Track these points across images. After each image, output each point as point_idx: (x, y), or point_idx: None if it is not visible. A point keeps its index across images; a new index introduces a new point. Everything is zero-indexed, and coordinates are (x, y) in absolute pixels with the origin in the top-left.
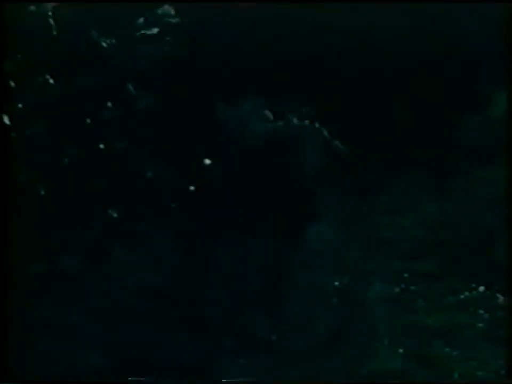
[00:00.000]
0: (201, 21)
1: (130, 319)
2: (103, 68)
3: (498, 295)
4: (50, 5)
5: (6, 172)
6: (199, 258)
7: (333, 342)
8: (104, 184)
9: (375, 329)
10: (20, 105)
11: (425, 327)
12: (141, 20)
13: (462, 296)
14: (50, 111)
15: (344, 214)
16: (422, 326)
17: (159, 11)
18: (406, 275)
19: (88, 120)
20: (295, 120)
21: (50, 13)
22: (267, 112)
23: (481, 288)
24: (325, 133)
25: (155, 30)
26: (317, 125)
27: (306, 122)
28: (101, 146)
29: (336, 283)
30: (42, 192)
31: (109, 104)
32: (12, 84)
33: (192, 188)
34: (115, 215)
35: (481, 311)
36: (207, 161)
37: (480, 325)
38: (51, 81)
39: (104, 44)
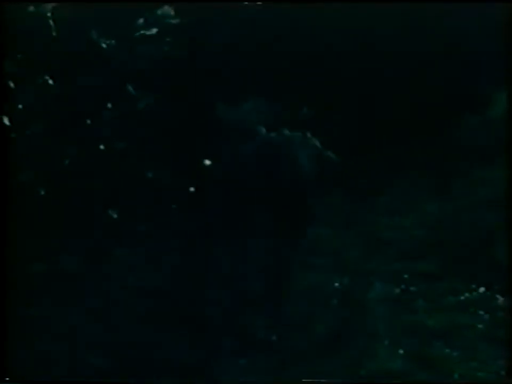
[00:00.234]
0: (201, 22)
1: (130, 319)
2: (103, 68)
3: (498, 296)
4: (50, 5)
5: (6, 172)
6: (199, 259)
7: (333, 342)
8: (104, 184)
9: (375, 329)
10: (19, 106)
11: (426, 327)
12: (141, 20)
13: (462, 297)
14: (50, 112)
15: (343, 215)
16: (422, 326)
17: (159, 11)
18: (406, 276)
19: (88, 121)
20: (286, 132)
21: (49, 14)
22: (260, 128)
23: (482, 289)
24: (317, 142)
25: (155, 31)
26: (308, 135)
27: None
28: (101, 146)
29: (336, 284)
30: (42, 193)
31: (109, 104)
32: (12, 84)
33: (192, 188)
34: (115, 215)
35: (481, 312)
36: (207, 162)
37: (480, 325)
38: (51, 81)
39: (104, 45)
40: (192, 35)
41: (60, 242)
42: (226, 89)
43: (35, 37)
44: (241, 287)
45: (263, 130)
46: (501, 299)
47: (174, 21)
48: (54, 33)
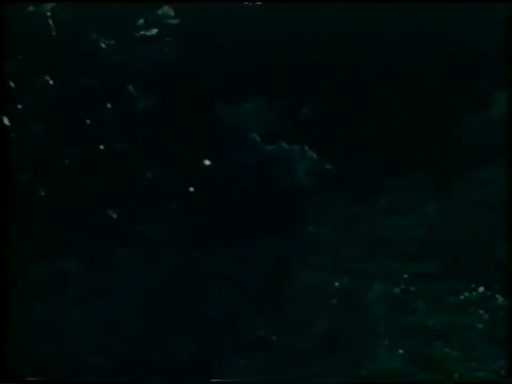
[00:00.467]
0: (201, 22)
1: (130, 319)
2: (103, 68)
3: (498, 296)
4: (49, 5)
5: (6, 173)
6: (198, 259)
7: (333, 342)
8: (104, 184)
9: (375, 329)
10: (19, 106)
11: (425, 327)
12: (141, 20)
13: (462, 297)
14: (50, 112)
15: (343, 216)
16: (422, 326)
17: (159, 12)
18: (406, 276)
19: (88, 121)
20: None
21: (49, 14)
22: (255, 136)
23: (481, 289)
24: (314, 155)
25: (155, 31)
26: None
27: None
28: (101, 146)
29: (336, 284)
30: (42, 193)
31: (109, 105)
32: (12, 84)
33: (191, 188)
34: (115, 215)
35: (481, 312)
36: (207, 162)
37: (480, 325)
38: (51, 82)
39: (103, 45)
40: (192, 35)
41: (59, 243)
42: (226, 89)
43: (35, 37)
44: (241, 287)
45: (258, 138)
46: (500, 299)
47: (174, 21)
48: (54, 33)
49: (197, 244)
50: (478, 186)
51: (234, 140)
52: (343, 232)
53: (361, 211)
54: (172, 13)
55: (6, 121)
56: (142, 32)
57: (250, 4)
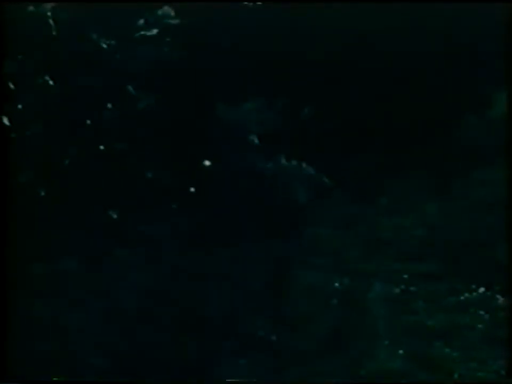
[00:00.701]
0: (201, 22)
1: (130, 319)
2: (103, 68)
3: (498, 296)
4: (49, 5)
5: (6, 173)
6: (199, 259)
7: (333, 342)
8: (104, 184)
9: (375, 330)
10: (19, 106)
11: (426, 328)
12: (141, 21)
13: (462, 297)
14: (50, 112)
15: (343, 216)
16: (422, 326)
17: (159, 12)
18: (406, 276)
19: (88, 121)
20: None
21: (49, 14)
22: (254, 138)
23: (482, 289)
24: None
25: (155, 31)
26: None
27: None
28: (101, 147)
29: (336, 284)
30: (43, 193)
31: (109, 105)
32: (12, 85)
33: (192, 189)
34: (115, 215)
35: (481, 312)
36: (207, 162)
37: (480, 325)
38: (51, 82)
39: (104, 45)
40: (192, 35)
41: (59, 243)
42: (226, 89)
43: (35, 37)
44: (241, 287)
45: (256, 140)
46: (501, 299)
47: (174, 22)
48: (54, 33)
49: (197, 244)
50: (478, 186)
51: (234, 140)
52: (343, 232)
53: (361, 211)
54: (172, 13)
55: (6, 121)
56: (142, 32)
57: (250, 4)
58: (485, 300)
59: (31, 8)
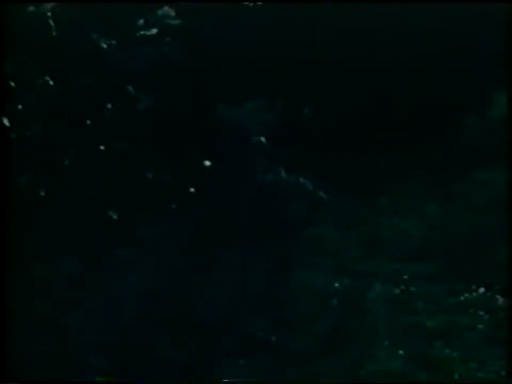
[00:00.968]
0: (201, 22)
1: (130, 319)
2: (103, 68)
3: (498, 297)
4: (49, 5)
5: (6, 173)
6: (199, 259)
7: (333, 343)
8: (104, 185)
9: (375, 330)
10: (19, 107)
11: (426, 328)
12: (141, 21)
13: (462, 298)
14: (50, 112)
15: (344, 216)
16: (422, 327)
17: (159, 12)
18: (406, 276)
19: (88, 121)
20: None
21: (49, 14)
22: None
23: (481, 290)
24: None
25: (155, 31)
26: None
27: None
28: (101, 147)
29: (336, 284)
30: (42, 193)
31: (109, 105)
32: (12, 85)
33: (192, 189)
34: (115, 216)
35: (481, 312)
36: (207, 163)
37: (480, 326)
38: (51, 82)
39: (104, 45)
40: (192, 35)
41: (59, 243)
42: (226, 89)
43: (35, 37)
44: (241, 287)
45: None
46: (500, 300)
47: (174, 22)
48: (54, 34)
49: (197, 244)
50: (478, 186)
51: (234, 140)
52: (344, 233)
53: (361, 211)
54: (172, 13)
55: (6, 121)
56: (142, 33)
57: (250, 4)
58: (484, 300)
59: (31, 8)
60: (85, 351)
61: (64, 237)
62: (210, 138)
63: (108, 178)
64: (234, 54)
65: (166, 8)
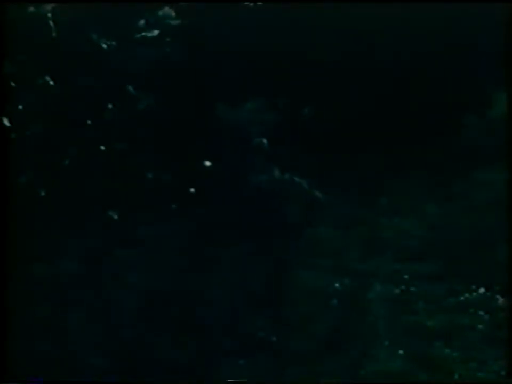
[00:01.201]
0: (201, 22)
1: (130, 319)
2: (103, 69)
3: (498, 297)
4: (50, 6)
5: (6, 173)
6: (199, 259)
7: (333, 343)
8: (104, 184)
9: (376, 330)
10: (20, 107)
11: (426, 328)
12: (142, 21)
13: (462, 298)
14: (50, 112)
15: (344, 216)
16: (422, 327)
17: (160, 13)
18: (406, 276)
19: (89, 121)
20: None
21: (49, 14)
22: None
23: (482, 290)
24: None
25: (156, 32)
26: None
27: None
28: (101, 147)
29: (337, 284)
30: (43, 193)
31: (109, 105)
32: (12, 85)
33: (192, 189)
34: (115, 216)
35: (481, 312)
36: (207, 163)
37: (480, 326)
38: (51, 82)
39: (104, 45)
40: (193, 36)
41: (59, 243)
42: (226, 89)
43: (35, 37)
44: (241, 287)
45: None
46: (500, 300)
47: (174, 22)
48: (54, 34)
49: (197, 244)
50: (478, 186)
51: (234, 140)
52: (344, 233)
53: (361, 212)
54: (173, 14)
55: (6, 122)
56: (142, 33)
57: (250, 4)
58: (484, 301)
59: (31, 8)
60: (85, 351)
61: (64, 237)
62: (211, 138)
63: (108, 178)
64: (234, 54)
65: (166, 8)
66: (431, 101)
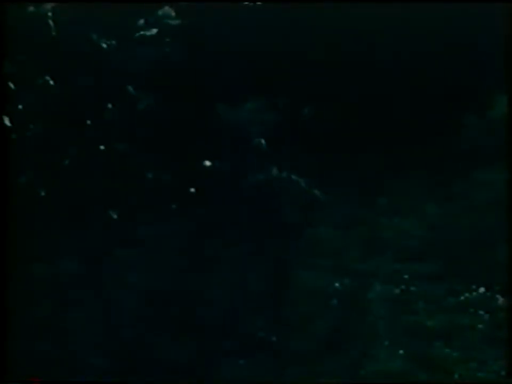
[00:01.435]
0: (201, 22)
1: (130, 319)
2: (103, 68)
3: (498, 296)
4: (49, 5)
5: (6, 173)
6: (199, 259)
7: (333, 343)
8: (104, 184)
9: (376, 330)
10: (20, 107)
11: (426, 328)
12: (141, 21)
13: (462, 298)
14: (50, 112)
15: (344, 216)
16: (422, 327)
17: (160, 12)
18: (406, 276)
19: (89, 121)
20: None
21: (49, 14)
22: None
23: (482, 290)
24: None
25: (155, 31)
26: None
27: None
28: (101, 147)
29: (337, 284)
30: (43, 193)
31: (109, 105)
32: (12, 85)
33: (192, 189)
34: (115, 216)
35: (481, 312)
36: (207, 163)
37: (480, 326)
38: (51, 82)
39: (104, 45)
40: (192, 35)
41: (59, 243)
42: (226, 89)
43: (35, 37)
44: (241, 287)
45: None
46: (501, 299)
47: (174, 22)
48: (54, 34)
49: (197, 244)
50: (478, 186)
51: (234, 140)
52: (344, 233)
53: (361, 212)
54: (173, 14)
55: (6, 121)
56: (142, 33)
57: (250, 4)
58: (485, 300)
59: (31, 8)
60: (85, 351)
61: (64, 237)
62: (211, 138)
63: (108, 178)
64: (234, 54)
65: (166, 8)
66: (431, 101)
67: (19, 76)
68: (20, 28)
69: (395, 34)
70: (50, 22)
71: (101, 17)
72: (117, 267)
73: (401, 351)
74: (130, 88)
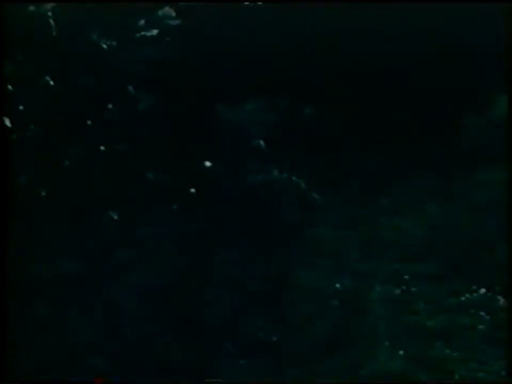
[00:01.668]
0: (201, 22)
1: (130, 319)
2: (103, 68)
3: (498, 297)
4: (49, 5)
5: (6, 173)
6: (199, 259)
7: (333, 343)
8: (104, 185)
9: (376, 330)
10: (20, 107)
11: (426, 328)
12: (142, 21)
13: (462, 298)
14: (50, 112)
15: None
16: (423, 327)
17: (160, 13)
18: (406, 276)
19: (89, 121)
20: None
21: (49, 14)
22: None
23: (482, 290)
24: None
25: (155, 32)
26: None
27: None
28: (101, 147)
29: (337, 285)
30: (43, 193)
31: (109, 105)
32: (12, 85)
33: (192, 189)
34: (115, 216)
35: (481, 313)
36: (207, 163)
37: (481, 326)
38: (51, 82)
39: (104, 45)
40: (193, 36)
41: (60, 243)
42: (226, 89)
43: (35, 37)
44: (241, 287)
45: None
46: (501, 300)
47: (174, 22)
48: (54, 34)
49: (197, 244)
50: (478, 186)
51: (234, 141)
52: (344, 233)
53: (362, 212)
54: (173, 14)
55: (7, 122)
56: (142, 33)
57: (250, 4)
58: (485, 301)
59: (31, 8)
60: (84, 351)
61: (64, 237)
62: (210, 138)
63: (108, 179)
64: (234, 54)
65: (166, 8)
66: (431, 101)
67: (19, 76)
68: (20, 28)
69: (395, 34)
70: (51, 22)
71: (101, 17)
72: (117, 267)
73: (401, 351)
74: (130, 88)
